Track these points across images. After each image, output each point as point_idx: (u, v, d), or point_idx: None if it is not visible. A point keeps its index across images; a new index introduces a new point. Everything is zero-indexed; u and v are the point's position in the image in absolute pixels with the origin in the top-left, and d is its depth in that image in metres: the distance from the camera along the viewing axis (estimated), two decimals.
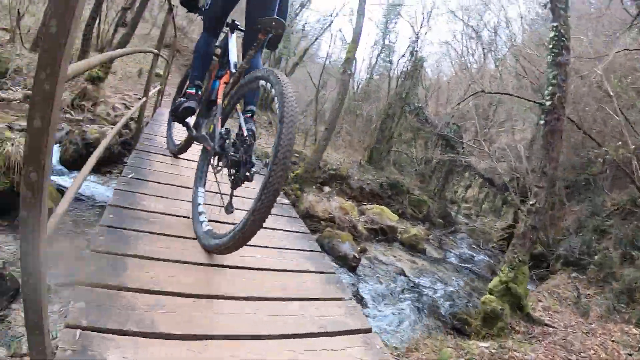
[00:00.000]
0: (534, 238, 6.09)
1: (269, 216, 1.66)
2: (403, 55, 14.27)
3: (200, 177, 2.42)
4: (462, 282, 8.46)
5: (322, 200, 7.70)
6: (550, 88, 6.00)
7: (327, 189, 9.61)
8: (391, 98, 12.21)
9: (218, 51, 2.88)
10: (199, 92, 2.66)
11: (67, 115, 8.50)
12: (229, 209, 1.99)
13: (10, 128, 6.13)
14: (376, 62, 17.00)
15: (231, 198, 2.00)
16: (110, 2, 12.54)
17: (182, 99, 2.65)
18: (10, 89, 9.38)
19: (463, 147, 13.44)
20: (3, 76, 9.73)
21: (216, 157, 2.18)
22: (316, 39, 16.50)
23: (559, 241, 9.66)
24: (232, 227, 1.78)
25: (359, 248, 7.33)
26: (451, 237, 12.19)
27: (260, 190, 1.64)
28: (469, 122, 15.02)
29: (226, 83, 2.40)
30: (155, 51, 4.35)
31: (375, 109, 14.09)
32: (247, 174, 1.99)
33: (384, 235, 8.59)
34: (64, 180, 6.55)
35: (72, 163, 7.04)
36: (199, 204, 2.28)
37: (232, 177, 2.05)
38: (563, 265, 8.94)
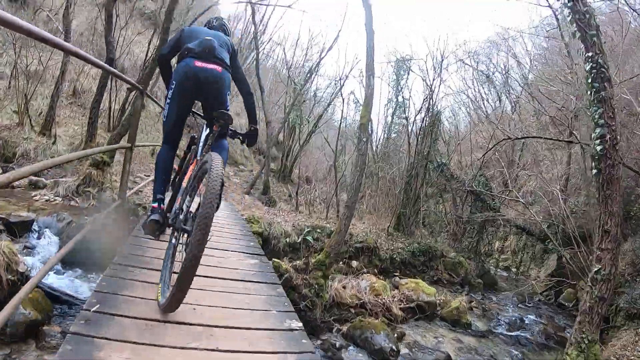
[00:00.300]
0: (602, 311, 5.22)
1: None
2: (419, 112, 13.94)
3: (169, 249, 2.76)
4: (517, 356, 7.49)
5: (349, 282, 6.99)
6: (598, 130, 5.28)
7: (354, 263, 8.93)
8: (412, 157, 11.65)
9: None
10: (162, 205, 2.82)
11: (72, 203, 8.24)
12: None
13: None
14: (392, 120, 16.74)
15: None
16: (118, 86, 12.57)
17: (148, 213, 2.85)
18: None
19: (494, 200, 12.68)
20: (10, 161, 9.65)
21: (175, 232, 2.69)
22: (328, 104, 16.43)
23: (616, 290, 8.62)
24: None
25: (395, 335, 6.51)
26: (494, 299, 11.19)
27: (184, 260, 2.08)
28: (493, 168, 14.38)
29: (193, 169, 2.76)
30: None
31: (397, 169, 13.57)
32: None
33: (422, 313, 7.74)
34: (60, 280, 5.86)
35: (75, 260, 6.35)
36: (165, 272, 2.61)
37: (185, 247, 2.43)
38: (626, 319, 7.87)
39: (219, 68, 2.90)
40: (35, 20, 13.34)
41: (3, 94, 11.22)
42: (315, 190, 12.98)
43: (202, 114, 3.21)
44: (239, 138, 3.27)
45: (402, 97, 16.50)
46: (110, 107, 11.62)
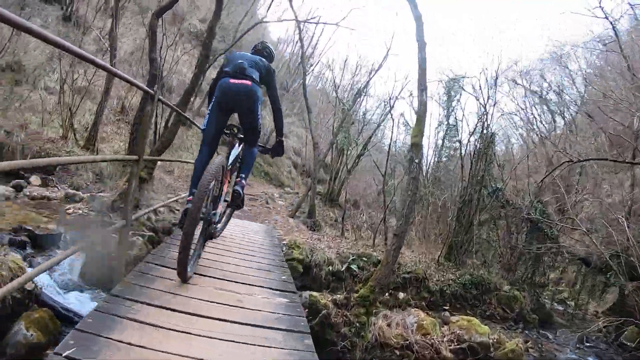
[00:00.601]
0: None
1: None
2: (472, 133, 13.36)
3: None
4: None
5: (394, 318, 6.55)
6: None
7: (401, 295, 8.49)
8: (465, 182, 11.09)
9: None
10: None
11: (106, 219, 8.07)
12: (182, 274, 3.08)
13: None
14: (442, 143, 16.18)
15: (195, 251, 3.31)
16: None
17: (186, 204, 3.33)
18: (56, 186, 9.53)
19: (551, 228, 11.86)
20: (51, 173, 9.93)
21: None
22: (378, 126, 16.04)
23: None
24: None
25: None
26: (551, 338, 10.35)
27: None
28: (549, 193, 13.53)
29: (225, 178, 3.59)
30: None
31: (449, 195, 13.00)
32: (211, 230, 3.50)
33: (475, 355, 7.16)
34: (78, 301, 5.34)
35: (97, 279, 5.82)
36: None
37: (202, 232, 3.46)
38: None
39: (248, 82, 3.51)
40: (82, 39, 13.78)
41: (52, 108, 11.63)
42: (363, 215, 12.62)
43: (238, 125, 3.84)
44: (267, 152, 4.09)
45: (455, 118, 15.99)
46: (156, 124, 11.74)
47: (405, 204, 6.98)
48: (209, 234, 3.60)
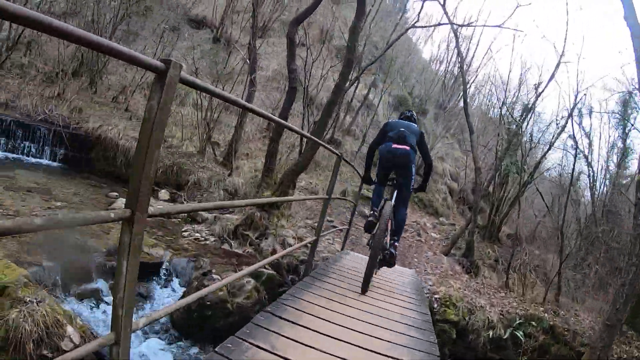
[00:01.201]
0: None
1: None
2: None
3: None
4: None
5: None
6: None
7: None
8: None
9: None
10: (375, 213, 4.42)
11: (224, 246, 7.30)
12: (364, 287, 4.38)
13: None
14: (618, 171, 13.51)
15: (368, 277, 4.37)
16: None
17: (368, 218, 4.47)
18: (184, 202, 9.31)
19: None
20: (182, 188, 9.90)
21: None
22: (549, 148, 13.82)
23: None
24: None
25: None
26: None
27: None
28: None
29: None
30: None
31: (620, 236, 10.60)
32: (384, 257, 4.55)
33: None
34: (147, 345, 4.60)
35: (187, 329, 5.05)
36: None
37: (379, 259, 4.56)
38: None
39: (407, 147, 4.32)
40: (228, 59, 14.33)
41: (196, 123, 11.81)
42: (526, 255, 10.85)
43: (395, 180, 4.70)
44: (413, 189, 4.78)
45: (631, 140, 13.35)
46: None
47: (628, 277, 5.44)
48: (386, 261, 4.58)
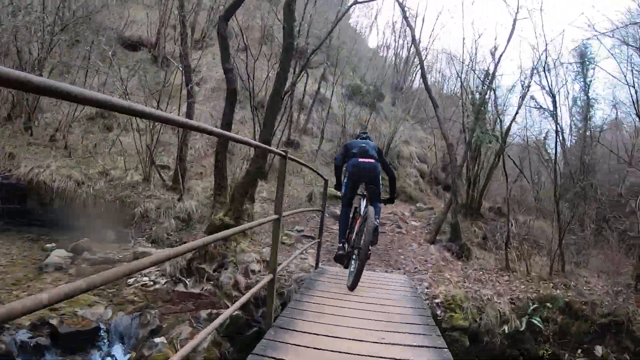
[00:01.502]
0: None
1: None
2: None
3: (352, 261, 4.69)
4: None
5: None
6: None
7: (599, 349, 6.18)
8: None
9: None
10: (345, 246, 4.86)
11: (178, 288, 6.12)
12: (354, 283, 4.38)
13: None
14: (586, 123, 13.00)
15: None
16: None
17: (338, 251, 4.87)
18: (131, 240, 8.39)
19: None
20: (129, 224, 8.92)
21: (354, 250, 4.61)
22: (516, 113, 13.05)
23: None
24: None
25: None
26: None
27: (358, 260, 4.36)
28: None
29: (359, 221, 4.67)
30: None
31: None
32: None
33: None
34: None
35: None
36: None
37: (357, 257, 4.54)
38: None
39: (372, 160, 4.82)
40: (167, 76, 13.13)
41: (135, 150, 10.55)
42: (512, 226, 9.97)
43: (365, 192, 4.99)
44: (383, 201, 5.05)
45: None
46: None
47: None
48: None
